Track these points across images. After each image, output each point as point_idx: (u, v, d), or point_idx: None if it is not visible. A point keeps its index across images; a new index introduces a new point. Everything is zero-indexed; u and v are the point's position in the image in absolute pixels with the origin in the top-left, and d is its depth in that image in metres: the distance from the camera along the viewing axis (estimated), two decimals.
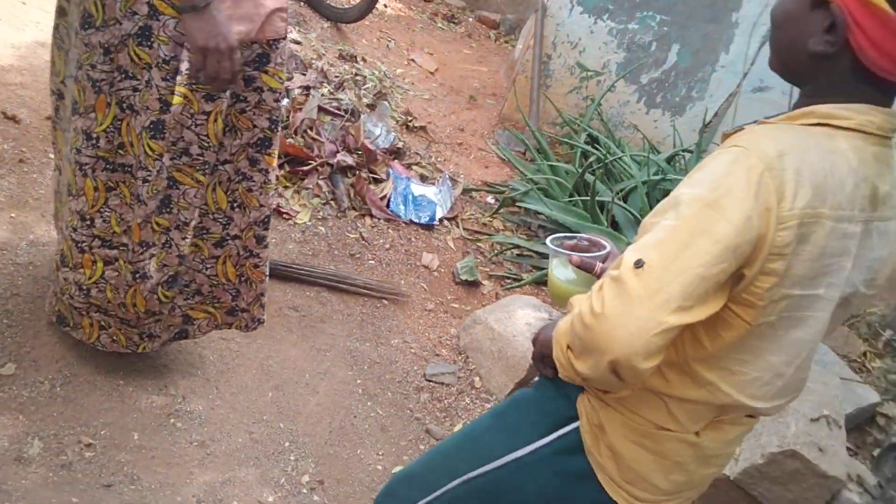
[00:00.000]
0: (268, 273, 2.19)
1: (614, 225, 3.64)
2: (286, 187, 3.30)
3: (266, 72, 1.87)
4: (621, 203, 3.63)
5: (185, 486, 2.04)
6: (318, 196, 3.34)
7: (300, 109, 3.52)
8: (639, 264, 1.02)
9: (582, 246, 1.48)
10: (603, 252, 1.44)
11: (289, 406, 2.43)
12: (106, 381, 2.18)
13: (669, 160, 4.04)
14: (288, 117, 3.47)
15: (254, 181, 2.00)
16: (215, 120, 1.84)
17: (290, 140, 3.37)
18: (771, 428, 2.42)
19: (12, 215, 2.50)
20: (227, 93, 1.83)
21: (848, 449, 3.09)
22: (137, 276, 1.97)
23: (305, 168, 3.36)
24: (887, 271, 1.22)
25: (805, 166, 1.04)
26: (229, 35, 1.66)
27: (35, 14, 3.44)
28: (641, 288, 1.00)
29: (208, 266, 2.09)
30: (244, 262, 2.11)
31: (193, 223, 1.97)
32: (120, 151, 1.84)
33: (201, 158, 1.88)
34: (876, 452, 3.17)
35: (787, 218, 1.02)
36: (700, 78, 4.65)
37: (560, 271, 1.48)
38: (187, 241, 1.98)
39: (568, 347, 1.11)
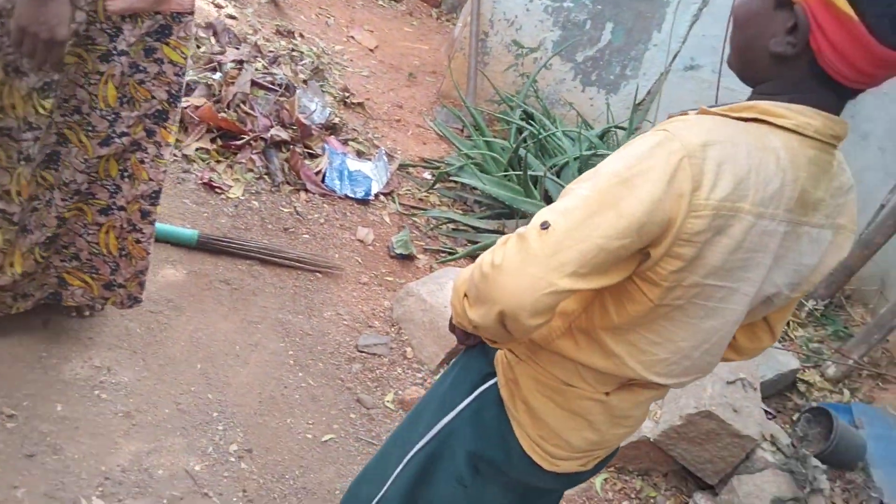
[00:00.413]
0: (150, 251, 2.17)
1: (548, 199, 3.70)
2: (218, 161, 3.29)
3: (167, 44, 1.88)
4: (554, 178, 3.69)
5: (109, 456, 2.05)
6: (251, 171, 3.33)
7: (233, 83, 3.50)
8: (544, 226, 1.04)
9: None
10: None
11: (218, 377, 2.44)
12: (28, 353, 2.16)
13: (602, 136, 4.12)
14: (220, 91, 3.45)
15: (147, 153, 2.00)
16: (106, 82, 1.84)
17: (222, 114, 3.35)
18: (689, 390, 2.51)
19: None
20: (122, 58, 1.82)
21: (768, 413, 3.22)
22: (19, 233, 1.93)
23: (238, 142, 3.34)
24: (816, 279, 1.23)
25: (728, 159, 1.04)
26: (57, 28, 1.61)
27: None
28: (541, 248, 1.03)
29: (90, 232, 2.07)
30: (127, 235, 2.10)
31: (76, 187, 1.94)
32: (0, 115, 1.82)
33: (88, 119, 1.87)
34: (795, 417, 3.30)
35: (700, 207, 1.03)
36: (633, 56, 4.73)
37: None
38: (67, 203, 1.96)
39: (465, 295, 1.15)
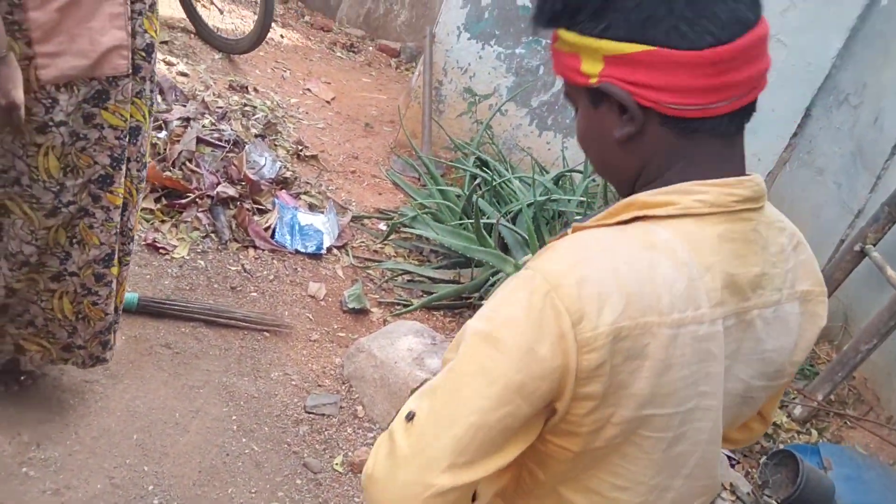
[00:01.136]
0: (109, 311, 2.12)
1: (504, 247, 3.66)
2: (163, 221, 3.23)
3: (106, 108, 1.85)
4: (509, 224, 3.66)
5: None
6: (197, 229, 3.27)
7: (178, 141, 3.46)
8: (409, 417, 0.88)
9: None
10: None
11: (155, 448, 2.35)
12: None
13: (556, 181, 4.10)
14: (165, 150, 3.41)
15: (95, 218, 1.95)
16: (46, 154, 1.79)
17: (167, 173, 3.30)
18: None
19: None
20: (62, 128, 1.78)
21: (731, 458, 3.15)
22: None
23: (184, 201, 3.29)
24: (798, 358, 1.08)
25: (608, 276, 0.88)
26: (11, 93, 1.62)
27: None
28: (408, 446, 0.87)
29: (43, 299, 2.03)
30: (82, 299, 2.05)
31: (23, 258, 1.90)
32: None
33: (30, 191, 1.83)
34: (762, 460, 3.24)
35: (590, 340, 0.86)
36: None
37: None
38: (16, 274, 1.91)
39: None
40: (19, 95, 1.63)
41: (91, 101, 1.82)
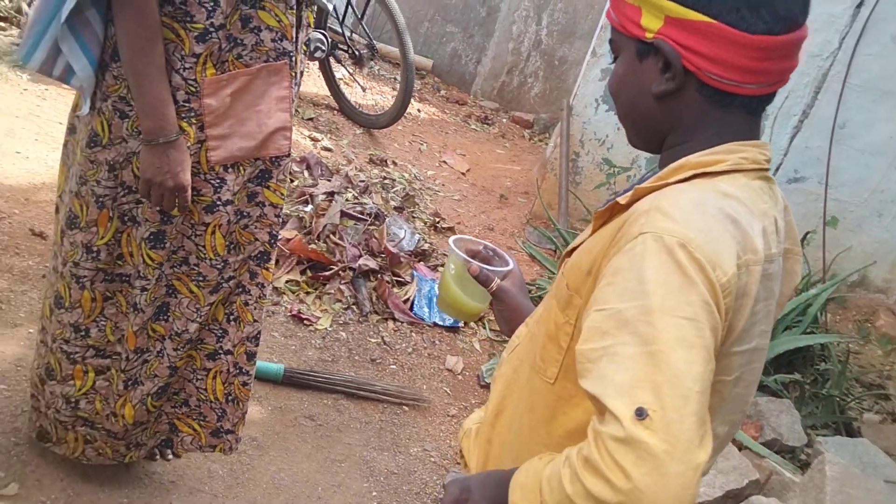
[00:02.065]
0: (251, 390, 2.16)
1: None
2: (307, 293, 3.31)
3: (268, 187, 1.91)
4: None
5: None
6: (339, 301, 3.34)
7: (323, 215, 3.56)
8: (641, 414, 0.85)
9: (485, 255, 1.42)
10: (505, 269, 1.38)
11: None
12: (109, 501, 2.14)
13: None
14: (311, 223, 3.51)
15: (250, 294, 2.01)
16: (213, 233, 1.86)
17: (312, 246, 3.40)
18: None
19: (30, 331, 2.53)
20: (228, 207, 1.85)
21: None
22: (129, 383, 1.96)
23: (327, 273, 3.37)
24: (777, 314, 1.14)
25: (715, 223, 0.95)
26: (180, 175, 1.69)
27: None
28: (662, 440, 0.84)
29: (199, 378, 2.07)
30: (233, 379, 2.08)
31: (188, 336, 1.96)
32: (119, 262, 1.87)
33: (197, 269, 1.89)
34: None
35: (726, 284, 0.92)
36: None
37: (454, 277, 1.40)
38: (179, 352, 1.97)
39: None
40: (187, 178, 1.71)
41: (255, 181, 1.88)
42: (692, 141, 1.06)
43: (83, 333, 1.92)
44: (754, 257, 0.97)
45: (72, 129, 1.91)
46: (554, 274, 4.07)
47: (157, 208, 1.76)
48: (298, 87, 1.92)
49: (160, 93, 1.63)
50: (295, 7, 1.78)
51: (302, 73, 1.93)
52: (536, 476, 0.96)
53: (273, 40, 1.75)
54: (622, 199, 1.06)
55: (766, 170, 1.07)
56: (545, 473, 0.94)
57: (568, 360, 1.08)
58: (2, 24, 4.48)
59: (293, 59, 1.82)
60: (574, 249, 1.17)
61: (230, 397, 2.11)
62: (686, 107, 1.06)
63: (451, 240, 1.43)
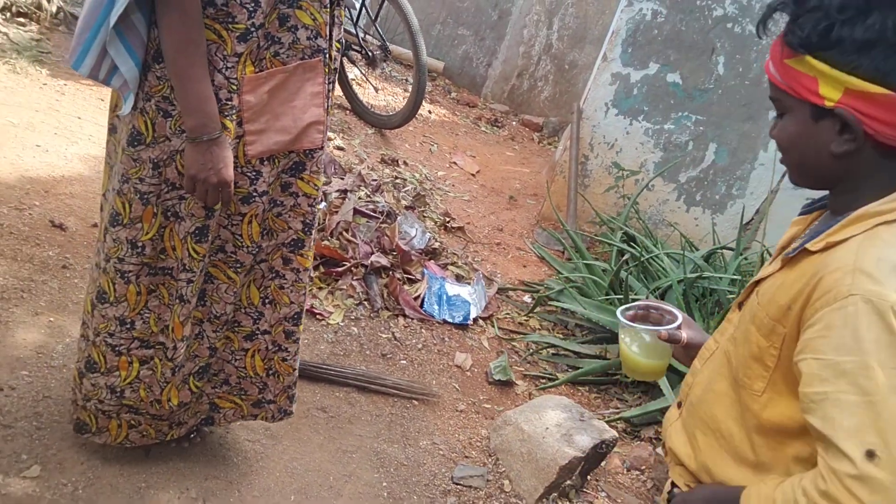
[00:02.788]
0: (297, 367, 2.24)
1: None
2: (320, 288, 3.36)
3: (301, 178, 1.98)
4: (658, 301, 3.59)
5: None
6: (351, 297, 3.39)
7: (336, 212, 3.62)
8: (871, 455, 1.03)
9: (653, 316, 1.54)
10: (678, 321, 1.50)
11: None
12: (128, 484, 2.20)
13: (707, 258, 4.01)
14: (324, 220, 3.57)
15: (285, 279, 2.08)
16: (250, 222, 1.94)
17: (325, 242, 3.45)
18: None
19: (51, 319, 2.59)
20: (263, 197, 1.91)
21: None
22: (176, 370, 2.03)
23: (340, 269, 3.42)
24: None
25: None
26: (223, 171, 1.75)
27: (89, 128, 3.66)
28: (891, 475, 1.02)
29: (237, 357, 2.16)
30: (273, 356, 2.17)
31: (225, 318, 2.03)
32: (162, 256, 1.93)
33: (234, 256, 1.97)
34: None
35: None
36: (739, 176, 4.65)
37: (634, 346, 1.51)
38: (218, 334, 2.05)
39: None
40: (230, 174, 1.77)
41: (289, 172, 1.95)
42: (864, 189, 1.18)
43: (128, 326, 1.98)
44: None
45: (113, 129, 1.97)
46: (561, 274, 4.12)
47: (202, 204, 1.82)
48: (333, 84, 1.98)
49: (203, 92, 1.69)
50: (329, 5, 1.84)
51: (336, 69, 1.99)
52: (769, 500, 1.14)
53: (308, 38, 1.82)
54: (812, 247, 1.19)
55: None
56: (777, 498, 1.13)
57: (775, 375, 1.24)
58: (22, 19, 4.55)
59: (327, 55, 1.88)
60: (761, 280, 1.33)
61: (271, 371, 2.20)
62: (861, 161, 1.17)
63: (618, 312, 1.53)
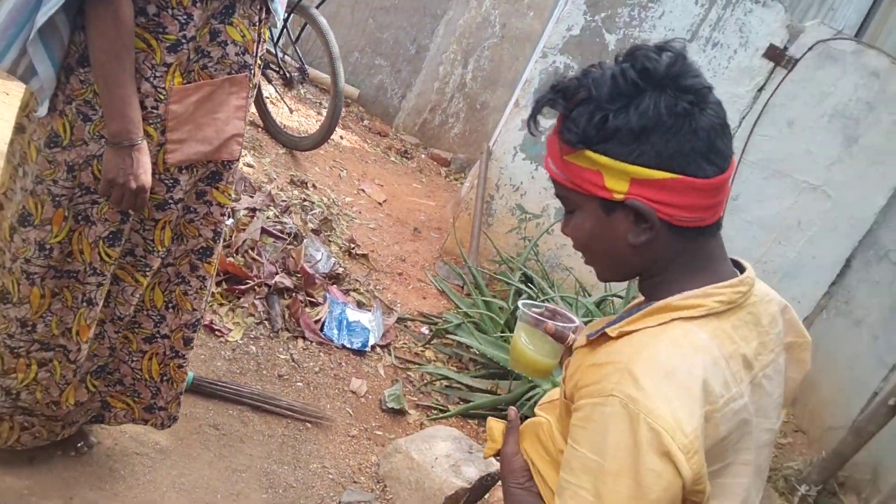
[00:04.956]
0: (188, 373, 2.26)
1: None
2: (221, 304, 3.35)
3: (217, 188, 2.02)
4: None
5: None
6: (252, 315, 3.39)
7: (244, 230, 3.62)
8: None
9: (549, 316, 1.57)
10: (573, 325, 1.53)
11: None
12: (10, 491, 2.14)
13: (598, 304, 4.20)
14: (231, 237, 3.57)
15: (190, 286, 2.11)
16: (163, 228, 1.96)
17: (230, 259, 3.45)
18: None
19: None
20: (179, 205, 1.93)
21: None
22: (77, 372, 2.02)
23: (243, 287, 3.42)
24: (789, 398, 1.32)
25: (680, 392, 1.08)
26: (142, 176, 1.77)
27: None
28: None
29: (135, 359, 2.16)
30: (169, 361, 2.19)
31: (127, 318, 2.05)
32: (68, 259, 1.92)
33: (143, 260, 1.98)
34: None
35: (689, 445, 1.06)
36: None
37: (526, 339, 1.54)
38: (119, 334, 2.06)
39: None
40: (147, 180, 1.79)
41: (205, 181, 2.00)
42: (669, 271, 1.20)
43: (30, 329, 1.95)
44: (711, 408, 1.10)
45: (20, 129, 1.94)
46: (459, 309, 4.23)
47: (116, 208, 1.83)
48: (252, 98, 2.03)
49: (129, 97, 1.71)
50: (257, 24, 1.91)
51: (257, 85, 2.04)
52: None
53: (237, 54, 1.87)
54: (611, 332, 1.20)
55: (744, 302, 1.19)
56: None
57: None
58: None
59: (252, 72, 1.94)
60: (571, 348, 1.37)
61: (165, 377, 2.20)
62: (661, 246, 1.18)
63: (520, 303, 1.56)
